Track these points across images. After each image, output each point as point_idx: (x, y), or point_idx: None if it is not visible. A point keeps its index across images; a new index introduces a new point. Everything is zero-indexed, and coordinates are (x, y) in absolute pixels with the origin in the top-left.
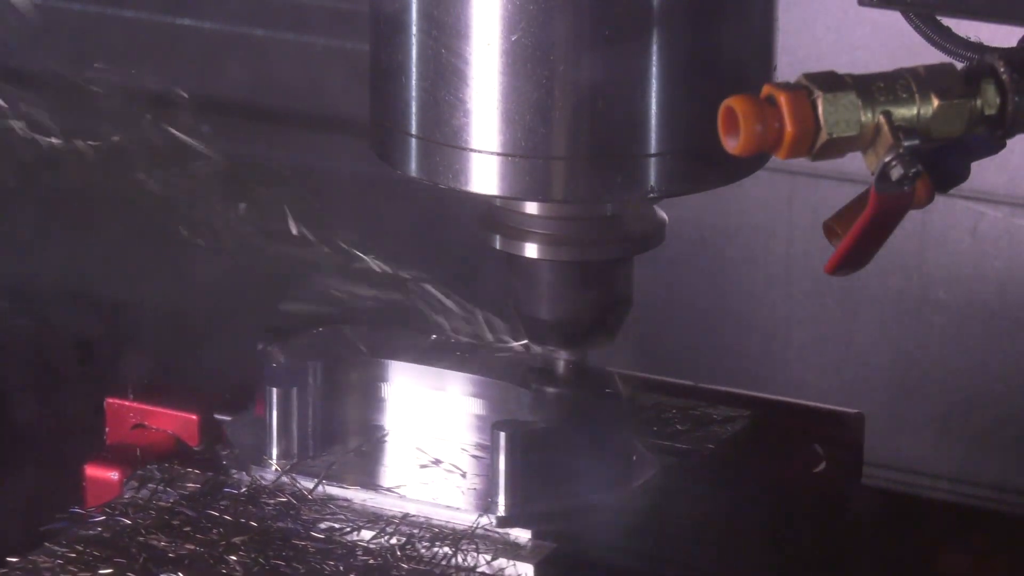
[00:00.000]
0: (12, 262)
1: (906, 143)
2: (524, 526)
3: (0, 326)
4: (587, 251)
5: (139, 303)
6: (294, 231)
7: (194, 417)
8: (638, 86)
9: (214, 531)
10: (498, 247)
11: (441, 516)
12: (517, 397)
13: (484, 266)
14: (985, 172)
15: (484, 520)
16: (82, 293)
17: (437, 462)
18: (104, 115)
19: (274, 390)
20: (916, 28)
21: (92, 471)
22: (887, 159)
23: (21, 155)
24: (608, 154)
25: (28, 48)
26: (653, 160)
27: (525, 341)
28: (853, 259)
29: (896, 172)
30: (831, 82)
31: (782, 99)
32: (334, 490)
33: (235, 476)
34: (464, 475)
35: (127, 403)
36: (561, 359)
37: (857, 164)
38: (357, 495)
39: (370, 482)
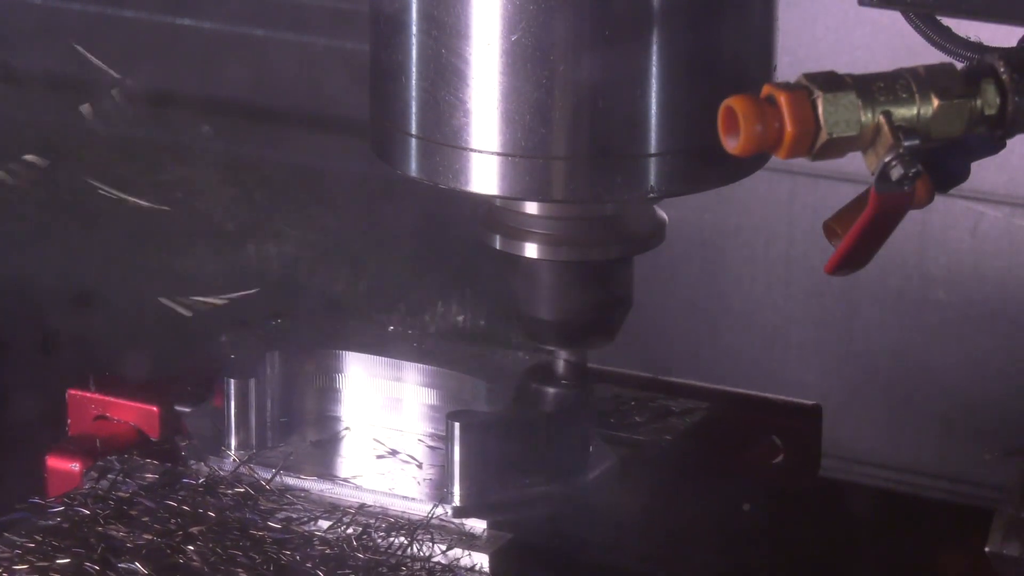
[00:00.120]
0: None
1: (906, 143)
2: (479, 516)
3: None
4: (587, 251)
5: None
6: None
7: (155, 409)
8: (638, 86)
9: (172, 521)
10: (498, 247)
11: (397, 506)
12: (472, 387)
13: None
14: (985, 172)
15: (439, 510)
16: (44, 284)
17: (393, 452)
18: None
19: (231, 381)
20: (916, 28)
21: (53, 462)
22: (887, 159)
23: None
24: (608, 154)
25: (28, 48)
26: (653, 160)
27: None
28: (853, 259)
29: (896, 172)
30: (831, 82)
31: (782, 99)
32: (291, 480)
33: (193, 467)
34: (420, 466)
35: (88, 395)
36: (561, 359)
37: (857, 164)
38: (314, 485)
39: (327, 472)
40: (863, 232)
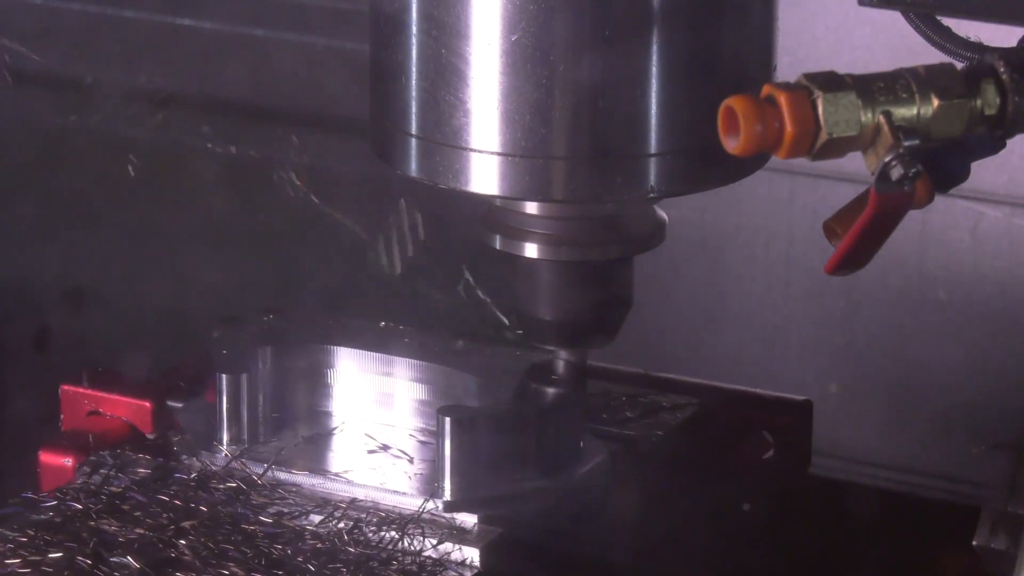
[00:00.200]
0: None
1: (906, 143)
2: (470, 511)
3: None
4: (587, 251)
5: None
6: None
7: (147, 404)
8: (638, 86)
9: (164, 516)
10: (498, 247)
11: (388, 501)
12: (463, 383)
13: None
14: (985, 172)
15: (430, 505)
16: (38, 281)
17: (385, 447)
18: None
19: (223, 376)
20: (916, 28)
21: (46, 457)
22: (887, 159)
23: None
24: (608, 154)
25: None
26: (653, 160)
27: None
28: (853, 259)
29: (896, 172)
30: (831, 82)
31: (782, 99)
32: (283, 475)
33: (185, 462)
34: (411, 460)
35: (82, 390)
36: (561, 359)
37: (857, 164)
38: (306, 480)
39: (318, 467)
40: (863, 232)
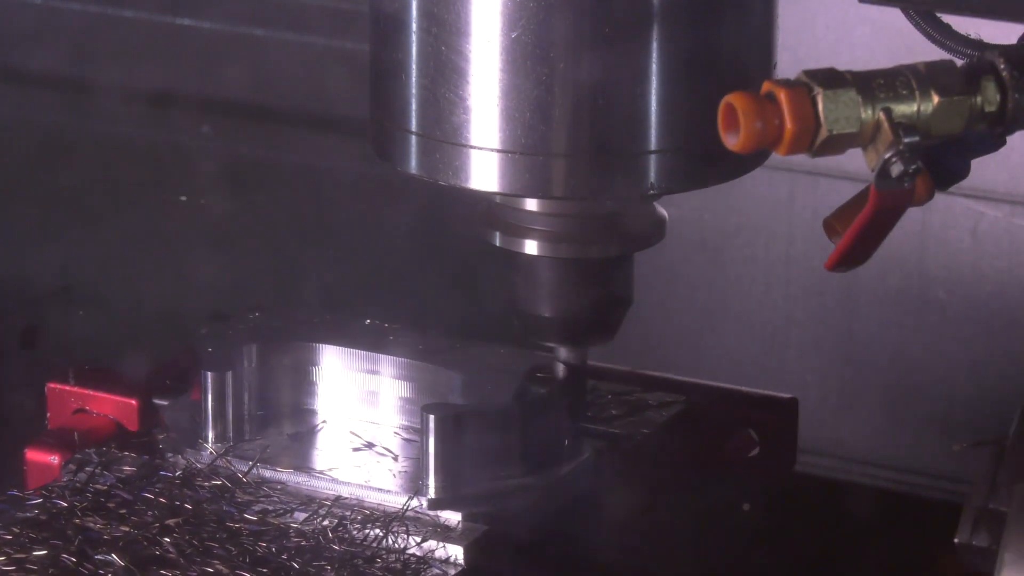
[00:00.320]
0: None
1: (906, 140)
2: (454, 508)
3: None
4: (587, 248)
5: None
6: None
7: (134, 402)
8: (638, 83)
9: (149, 513)
10: (498, 244)
11: (373, 498)
12: (447, 380)
13: (483, 266)
14: (985, 170)
15: (415, 502)
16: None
17: (369, 445)
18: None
19: (209, 374)
20: (916, 25)
21: (32, 455)
22: (887, 156)
23: None
24: (608, 151)
25: (28, 47)
26: (653, 157)
27: None
28: (853, 256)
29: (896, 169)
30: (831, 79)
31: (782, 96)
32: (268, 473)
33: (171, 459)
34: (396, 458)
35: (68, 388)
36: (561, 357)
37: (857, 163)
38: (291, 478)
39: (303, 465)
40: (863, 229)
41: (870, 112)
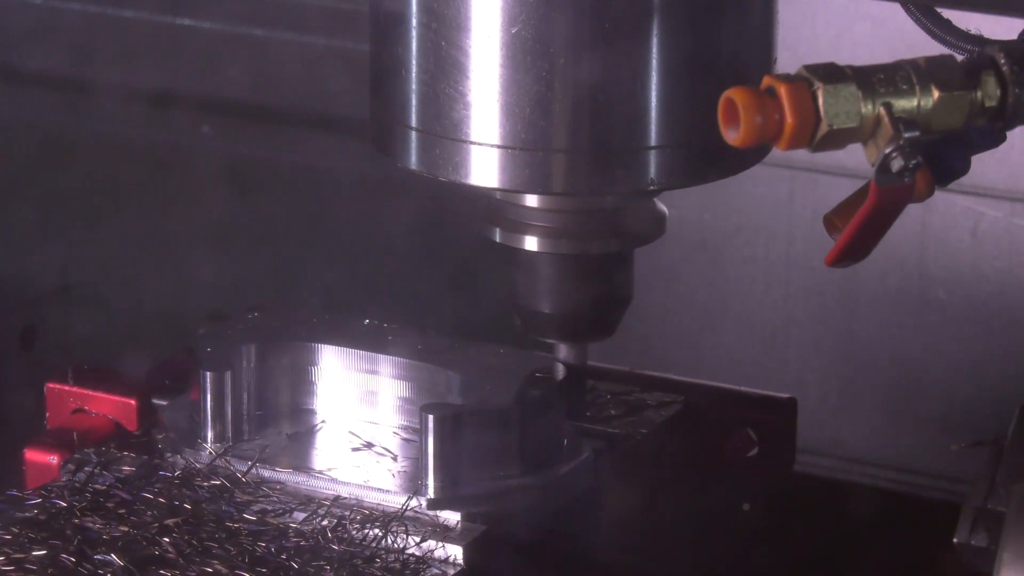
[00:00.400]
0: None
1: (906, 135)
2: (453, 508)
3: None
4: (587, 244)
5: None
6: None
7: (132, 402)
8: (638, 79)
9: (148, 513)
10: (498, 240)
11: (372, 498)
12: (446, 380)
13: (482, 266)
14: (985, 167)
15: (414, 502)
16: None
17: (368, 445)
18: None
19: (207, 374)
20: (916, 20)
21: (32, 455)
22: (887, 151)
23: None
24: (608, 147)
25: (28, 47)
26: (653, 153)
27: None
28: (853, 252)
29: (896, 164)
30: (831, 73)
31: (782, 90)
32: (267, 473)
33: (170, 459)
34: (395, 458)
35: (67, 388)
36: (560, 355)
37: (857, 160)
38: (289, 478)
39: (302, 465)
40: (863, 225)
41: (870, 107)
